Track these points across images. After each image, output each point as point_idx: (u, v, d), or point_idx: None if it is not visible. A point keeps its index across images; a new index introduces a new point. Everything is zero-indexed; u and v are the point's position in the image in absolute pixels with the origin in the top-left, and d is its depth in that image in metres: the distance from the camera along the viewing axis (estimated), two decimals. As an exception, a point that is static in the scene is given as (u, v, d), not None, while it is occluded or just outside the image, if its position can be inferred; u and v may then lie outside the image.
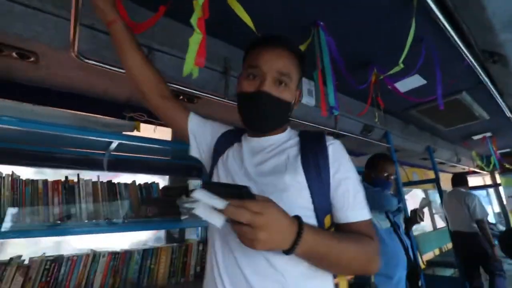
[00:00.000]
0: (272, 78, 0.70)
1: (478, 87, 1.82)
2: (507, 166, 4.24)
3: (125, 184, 1.41)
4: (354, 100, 2.09)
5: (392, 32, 1.32)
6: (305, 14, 1.21)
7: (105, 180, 1.37)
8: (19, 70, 1.21)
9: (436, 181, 3.02)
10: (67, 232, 1.18)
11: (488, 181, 6.06)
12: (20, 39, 0.98)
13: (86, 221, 1.24)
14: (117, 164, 1.63)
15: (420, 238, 3.80)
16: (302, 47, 1.26)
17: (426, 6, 1.03)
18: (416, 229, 3.59)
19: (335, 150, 0.72)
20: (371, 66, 1.60)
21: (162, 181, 1.71)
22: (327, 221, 0.68)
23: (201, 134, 0.85)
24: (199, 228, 1.75)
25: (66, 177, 1.26)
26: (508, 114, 2.26)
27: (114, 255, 1.27)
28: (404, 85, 1.85)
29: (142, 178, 1.60)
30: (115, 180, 1.43)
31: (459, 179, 3.31)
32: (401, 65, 1.32)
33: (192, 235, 1.85)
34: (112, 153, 1.51)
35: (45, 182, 1.20)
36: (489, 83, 1.58)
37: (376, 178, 1.75)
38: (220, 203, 0.47)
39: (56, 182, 1.22)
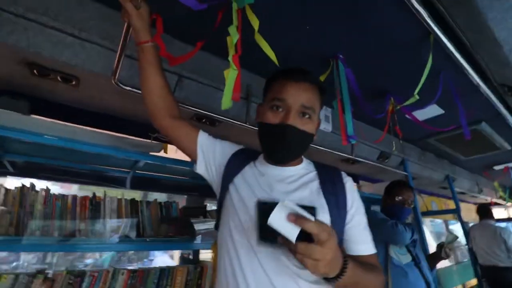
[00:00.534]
0: (296, 111, 0.73)
1: (498, 117, 1.81)
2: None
3: (147, 202, 1.46)
4: (371, 127, 2.11)
5: (410, 64, 1.36)
6: (325, 47, 1.28)
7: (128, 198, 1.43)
8: (60, 91, 1.31)
9: (457, 211, 2.91)
10: (88, 248, 1.23)
11: (512, 213, 5.75)
12: (67, 65, 1.09)
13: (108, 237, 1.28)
14: (139, 183, 1.69)
15: (441, 273, 3.59)
16: (322, 78, 1.32)
17: (442, 43, 1.07)
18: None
19: (351, 188, 0.79)
20: (388, 95, 1.64)
21: (180, 200, 1.75)
22: None
23: (210, 152, 0.86)
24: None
25: (94, 194, 1.32)
26: (529, 145, 2.21)
27: (132, 273, 1.29)
28: (422, 114, 1.86)
29: (160, 197, 1.65)
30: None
31: (486, 211, 3.25)
32: (416, 97, 1.35)
33: (205, 257, 1.85)
34: (136, 171, 1.57)
35: (74, 197, 1.27)
36: (508, 115, 1.57)
37: (392, 203, 1.72)
38: (310, 216, 0.51)
39: (84, 198, 1.29)
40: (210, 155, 0.86)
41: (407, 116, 1.75)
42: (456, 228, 4.29)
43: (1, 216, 1.11)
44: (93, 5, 1.06)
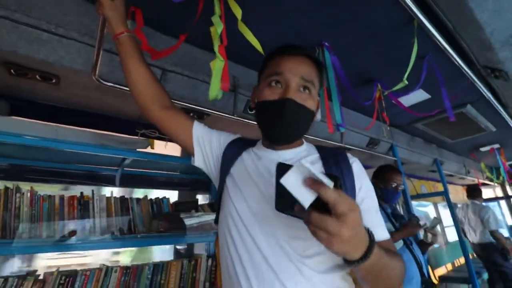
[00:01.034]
0: (296, 84, 0.69)
1: (483, 99, 1.84)
2: (517, 177, 4.18)
3: (137, 199, 1.45)
4: (360, 114, 2.12)
5: (395, 50, 1.36)
6: (309, 35, 1.27)
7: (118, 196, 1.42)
8: (41, 91, 1.28)
9: (445, 194, 2.99)
10: (79, 248, 1.22)
11: (500, 193, 5.94)
12: (45, 63, 1.05)
13: (99, 236, 1.28)
14: (128, 180, 1.68)
15: (431, 252, 3.72)
16: (308, 66, 1.31)
17: (425, 28, 1.07)
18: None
19: (358, 169, 0.72)
20: (375, 82, 1.65)
21: (172, 195, 1.75)
22: None
23: (207, 143, 0.82)
24: (210, 244, 1.77)
25: (82, 193, 1.30)
26: (513, 126, 2.26)
27: (125, 269, 1.29)
28: (408, 100, 1.88)
29: (152, 193, 1.64)
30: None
31: (474, 192, 3.42)
32: (405, 82, 1.36)
33: (200, 250, 1.86)
34: (124, 169, 1.55)
35: (61, 197, 1.25)
36: (492, 98, 1.60)
37: (385, 189, 1.78)
38: (328, 181, 0.43)
39: (72, 198, 1.27)
40: (207, 146, 0.82)
41: (394, 102, 1.76)
42: (445, 212, 4.44)
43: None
44: (69, -1, 1.01)
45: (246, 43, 0.96)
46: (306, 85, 0.70)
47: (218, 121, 1.47)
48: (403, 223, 1.70)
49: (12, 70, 1.07)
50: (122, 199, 1.40)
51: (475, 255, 3.55)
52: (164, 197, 1.57)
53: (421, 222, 1.70)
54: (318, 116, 1.84)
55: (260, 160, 0.74)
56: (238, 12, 0.90)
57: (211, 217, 1.47)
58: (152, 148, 1.34)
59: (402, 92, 1.58)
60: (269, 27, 1.18)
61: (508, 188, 5.47)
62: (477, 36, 1.11)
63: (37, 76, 1.14)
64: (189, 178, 1.89)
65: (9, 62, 1.04)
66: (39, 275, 1.18)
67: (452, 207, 3.06)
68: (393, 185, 1.76)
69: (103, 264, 1.27)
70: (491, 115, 2.23)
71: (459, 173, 3.68)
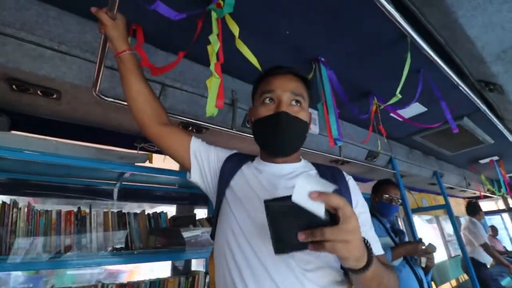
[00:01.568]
0: (287, 98, 0.74)
1: (479, 112, 1.86)
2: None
3: (135, 214, 1.44)
4: (358, 127, 2.14)
5: (390, 64, 1.39)
6: (306, 51, 1.30)
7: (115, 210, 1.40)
8: (42, 106, 1.29)
9: (446, 207, 2.96)
10: (75, 264, 1.19)
11: (502, 205, 5.87)
12: (46, 79, 1.07)
13: (96, 251, 1.25)
14: (126, 194, 1.67)
15: (434, 268, 3.63)
16: (305, 80, 1.34)
17: (418, 44, 1.10)
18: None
19: (354, 186, 0.77)
20: (371, 95, 1.67)
21: (169, 210, 1.73)
22: None
23: (205, 157, 0.83)
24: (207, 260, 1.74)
25: (79, 208, 1.29)
26: (510, 138, 2.27)
27: (121, 287, 1.26)
28: (405, 113, 1.91)
29: (150, 208, 1.63)
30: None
31: (470, 209, 3.46)
32: (399, 96, 1.38)
33: (198, 267, 1.82)
34: (122, 183, 1.55)
35: (58, 212, 1.24)
36: (487, 111, 1.62)
37: (380, 202, 1.79)
38: (330, 187, 0.44)
39: (69, 213, 1.26)
40: (204, 160, 0.83)
41: (392, 114, 1.78)
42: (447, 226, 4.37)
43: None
44: (72, 18, 1.05)
45: (244, 58, 0.98)
46: (297, 98, 0.76)
47: (217, 135, 1.48)
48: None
49: (14, 86, 1.09)
50: (120, 213, 1.39)
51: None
52: (162, 212, 1.55)
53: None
54: (314, 129, 1.86)
55: (261, 174, 0.76)
56: (235, 29, 0.93)
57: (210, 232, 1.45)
58: (151, 162, 1.34)
59: (399, 106, 1.60)
60: (266, 44, 1.22)
61: (510, 200, 5.41)
62: (469, 51, 1.14)
63: (39, 92, 1.15)
64: (187, 192, 1.88)
65: (12, 78, 1.06)
66: (33, 293, 1.15)
67: (454, 220, 3.02)
68: (387, 198, 1.75)
69: (99, 281, 1.25)
70: (488, 128, 2.24)
71: (460, 186, 3.66)
